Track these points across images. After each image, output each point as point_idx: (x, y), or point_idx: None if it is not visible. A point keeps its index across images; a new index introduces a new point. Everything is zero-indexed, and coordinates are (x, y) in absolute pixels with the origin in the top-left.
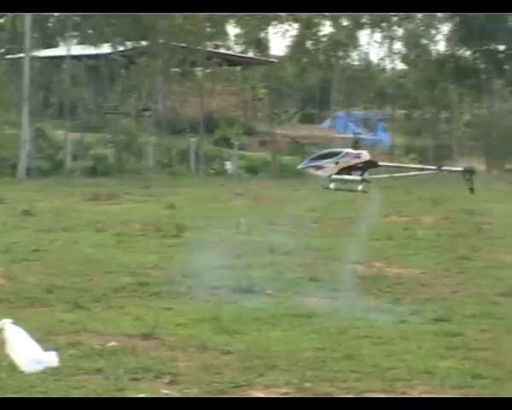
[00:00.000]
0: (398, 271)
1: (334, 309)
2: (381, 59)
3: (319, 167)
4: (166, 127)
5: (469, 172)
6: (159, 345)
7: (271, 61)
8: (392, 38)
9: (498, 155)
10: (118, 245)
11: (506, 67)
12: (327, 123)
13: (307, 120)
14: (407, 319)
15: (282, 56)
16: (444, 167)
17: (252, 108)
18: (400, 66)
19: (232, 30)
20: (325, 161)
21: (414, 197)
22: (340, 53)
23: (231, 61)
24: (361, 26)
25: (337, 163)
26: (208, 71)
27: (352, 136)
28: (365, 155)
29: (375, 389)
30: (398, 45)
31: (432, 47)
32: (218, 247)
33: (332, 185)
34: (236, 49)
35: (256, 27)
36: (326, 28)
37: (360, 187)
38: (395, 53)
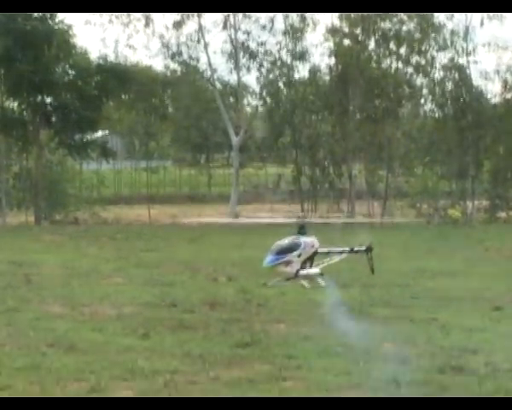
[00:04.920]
0: None
1: None
2: None
3: (288, 263)
4: None
5: (369, 251)
6: None
7: None
8: None
9: (47, 206)
10: None
11: (53, 119)
12: None
13: None
14: None
15: None
16: (355, 248)
17: None
18: None
19: None
20: (292, 254)
21: None
22: None
23: None
24: None
25: (299, 256)
26: None
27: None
28: (316, 243)
29: None
30: None
31: None
32: None
33: (306, 284)
34: None
35: None
36: None
37: (322, 282)
38: None
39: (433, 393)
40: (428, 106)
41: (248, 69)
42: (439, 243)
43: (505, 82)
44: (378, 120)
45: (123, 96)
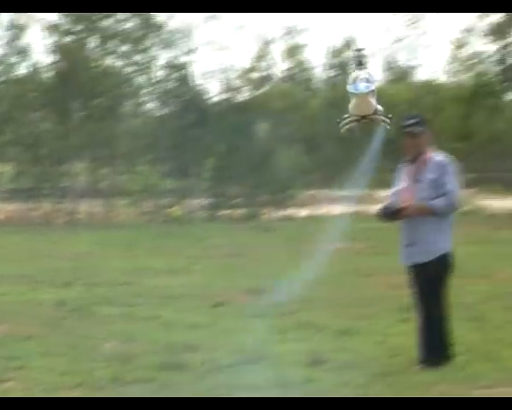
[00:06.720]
0: None
1: None
2: None
3: (373, 93)
4: None
5: None
6: None
7: None
8: None
9: None
10: None
11: None
12: None
13: None
14: None
15: None
16: None
17: None
18: None
19: None
20: (374, 84)
21: None
22: None
23: None
24: None
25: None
26: None
27: None
28: None
29: None
30: None
31: None
32: None
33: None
34: None
35: None
36: None
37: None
38: None
39: (155, 391)
40: (150, 104)
41: None
42: (161, 242)
43: (224, 81)
44: (99, 118)
45: None
